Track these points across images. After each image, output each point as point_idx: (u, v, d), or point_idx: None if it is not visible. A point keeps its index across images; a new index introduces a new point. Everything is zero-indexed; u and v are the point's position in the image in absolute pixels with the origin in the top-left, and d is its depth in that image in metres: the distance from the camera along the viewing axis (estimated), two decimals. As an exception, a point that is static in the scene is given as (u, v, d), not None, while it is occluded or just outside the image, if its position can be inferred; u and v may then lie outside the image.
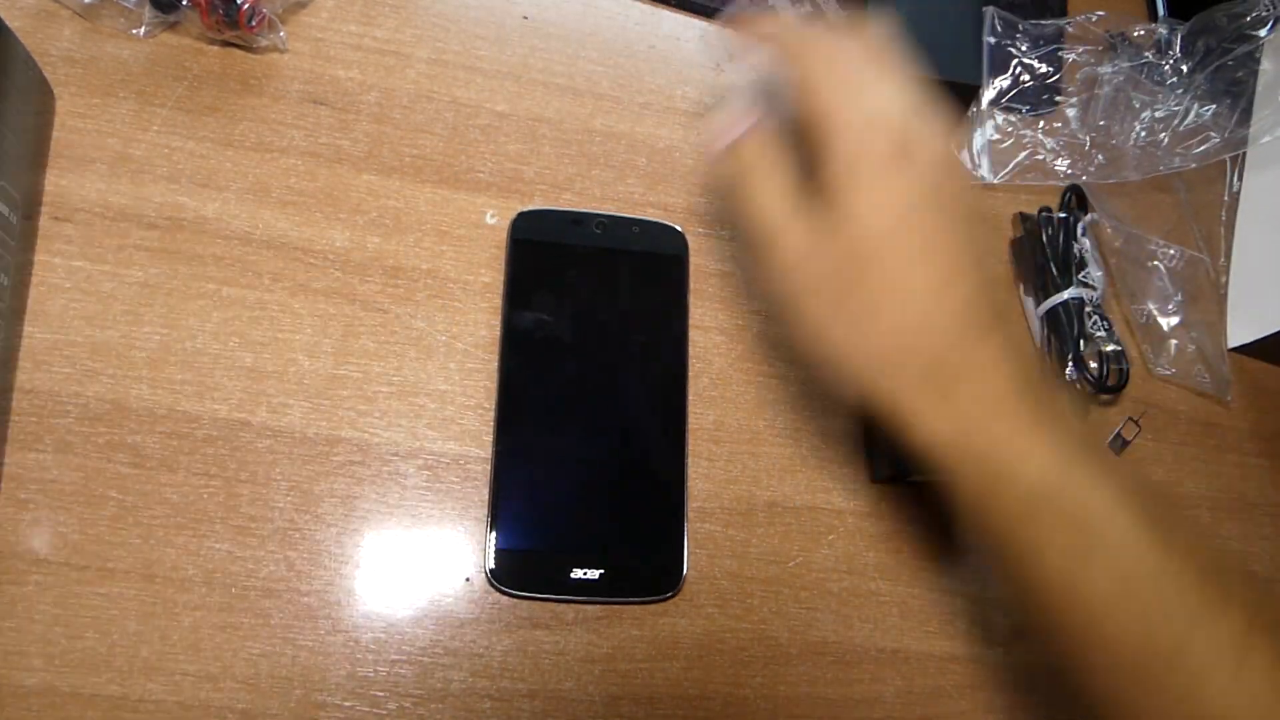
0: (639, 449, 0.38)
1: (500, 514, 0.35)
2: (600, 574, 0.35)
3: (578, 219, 0.40)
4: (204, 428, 0.35)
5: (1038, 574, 0.25)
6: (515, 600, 0.35)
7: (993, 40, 0.50)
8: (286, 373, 0.36)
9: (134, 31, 0.39)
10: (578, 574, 0.35)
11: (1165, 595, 0.24)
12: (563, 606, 0.35)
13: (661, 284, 0.40)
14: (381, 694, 0.33)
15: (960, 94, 0.46)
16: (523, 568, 0.35)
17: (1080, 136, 0.49)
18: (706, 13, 0.48)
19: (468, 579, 0.35)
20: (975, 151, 0.49)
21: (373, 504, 0.35)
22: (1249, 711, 0.22)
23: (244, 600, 0.33)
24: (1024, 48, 0.51)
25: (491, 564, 0.35)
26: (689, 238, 0.41)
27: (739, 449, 0.39)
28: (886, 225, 0.27)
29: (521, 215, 0.40)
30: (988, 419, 0.26)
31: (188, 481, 0.34)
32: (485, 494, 0.36)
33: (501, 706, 0.33)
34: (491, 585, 0.35)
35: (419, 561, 0.35)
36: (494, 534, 0.35)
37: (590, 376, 0.38)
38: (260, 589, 0.33)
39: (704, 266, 0.42)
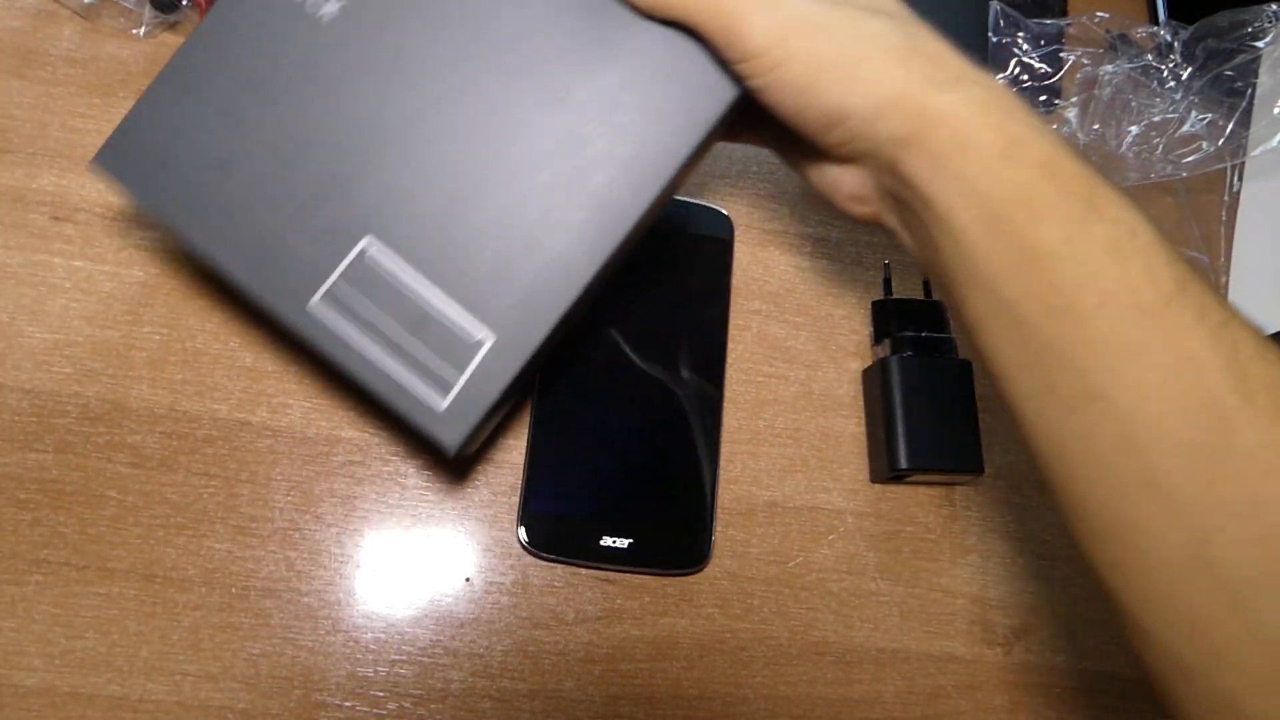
0: (675, 425, 0.38)
1: (534, 481, 0.36)
2: (629, 543, 0.36)
3: None
4: (204, 427, 0.35)
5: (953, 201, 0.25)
6: (514, 600, 0.35)
7: (995, 38, 0.50)
8: (286, 372, 0.36)
9: (134, 31, 0.39)
10: (607, 541, 0.35)
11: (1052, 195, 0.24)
12: (563, 606, 0.35)
13: (706, 266, 0.41)
14: (381, 694, 0.33)
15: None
16: (554, 532, 0.35)
17: (1077, 138, 0.49)
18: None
19: (468, 579, 0.35)
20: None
21: (373, 504, 0.35)
22: (1127, 304, 0.23)
23: (244, 600, 0.33)
24: (1025, 46, 0.51)
25: (524, 528, 0.35)
26: (735, 224, 0.42)
27: (739, 449, 0.39)
28: None
29: None
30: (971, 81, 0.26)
31: (188, 481, 0.34)
32: (485, 494, 0.36)
33: (501, 706, 0.33)
34: (525, 549, 0.35)
35: (419, 561, 0.35)
36: (528, 499, 0.36)
37: (631, 352, 0.39)
38: (260, 589, 0.33)
39: (704, 266, 0.42)
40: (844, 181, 0.30)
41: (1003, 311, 0.25)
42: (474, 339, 0.29)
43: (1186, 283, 0.23)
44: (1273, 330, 0.46)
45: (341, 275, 0.28)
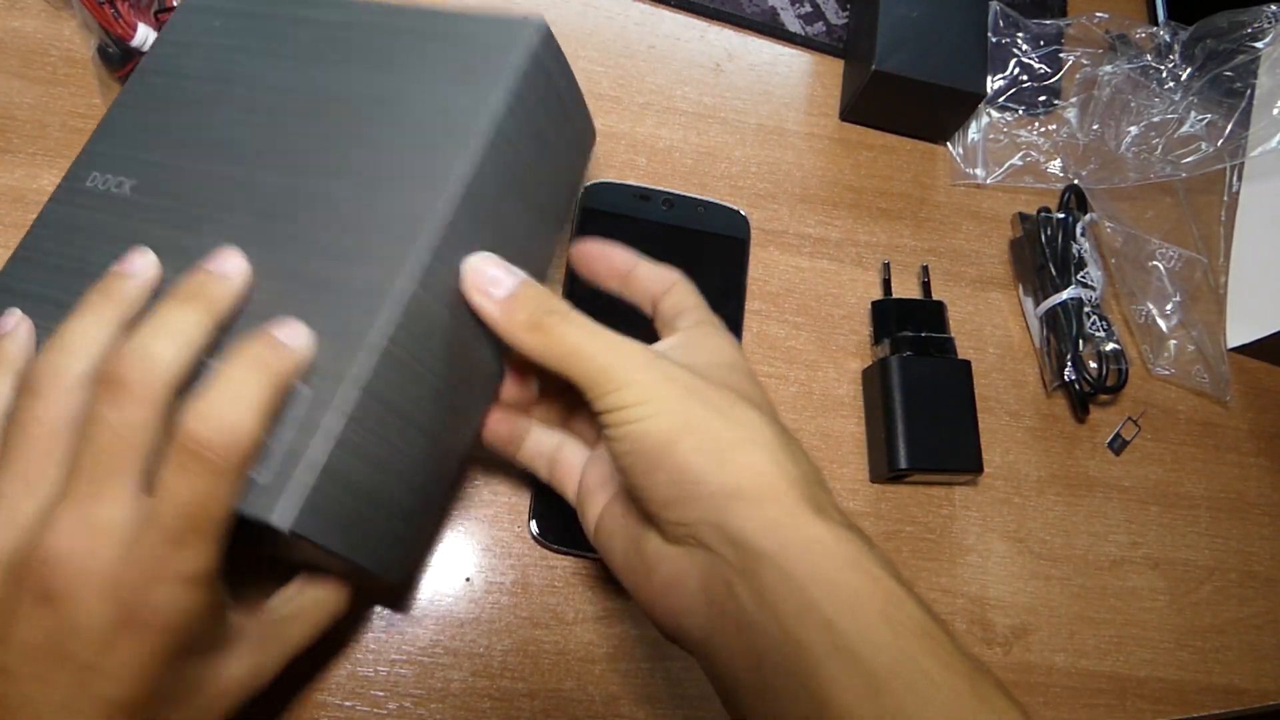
0: None
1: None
2: None
3: (645, 194, 0.42)
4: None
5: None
6: (514, 600, 0.35)
7: (995, 38, 0.50)
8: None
9: (134, 32, 0.39)
10: None
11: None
12: (563, 606, 0.35)
13: (721, 264, 0.42)
14: (381, 694, 0.33)
15: (963, 102, 0.46)
16: (565, 525, 0.35)
17: (1077, 138, 0.50)
18: (706, 13, 0.48)
19: (468, 579, 0.35)
20: (969, 151, 0.49)
21: (373, 504, 0.35)
22: None
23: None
24: (1025, 47, 0.51)
25: (535, 521, 0.36)
26: (751, 222, 0.43)
27: (739, 449, 0.39)
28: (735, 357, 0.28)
29: (592, 186, 0.41)
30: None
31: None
32: (485, 494, 0.36)
33: (501, 706, 0.33)
34: (536, 542, 0.36)
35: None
36: (540, 492, 0.36)
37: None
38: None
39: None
40: (663, 567, 0.25)
41: None
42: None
43: None
44: (1272, 330, 0.46)
45: None
